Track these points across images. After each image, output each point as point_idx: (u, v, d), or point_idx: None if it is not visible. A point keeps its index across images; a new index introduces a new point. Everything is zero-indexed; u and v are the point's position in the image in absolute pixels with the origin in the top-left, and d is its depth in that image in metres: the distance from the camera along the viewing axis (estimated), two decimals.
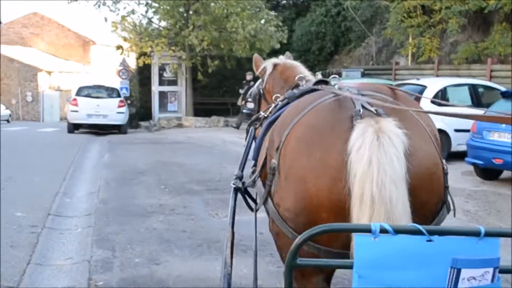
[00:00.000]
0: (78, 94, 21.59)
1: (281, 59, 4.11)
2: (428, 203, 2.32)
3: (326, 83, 3.22)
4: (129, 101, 24.92)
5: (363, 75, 19.87)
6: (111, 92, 22.29)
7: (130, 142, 17.53)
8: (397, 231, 1.66)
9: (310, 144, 2.31)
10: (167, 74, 23.73)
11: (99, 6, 21.10)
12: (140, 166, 11.66)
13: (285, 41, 22.30)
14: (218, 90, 25.04)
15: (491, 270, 1.68)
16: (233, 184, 3.33)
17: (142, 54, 22.77)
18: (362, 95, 2.46)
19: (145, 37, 21.69)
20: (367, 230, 1.66)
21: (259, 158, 3.04)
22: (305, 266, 1.92)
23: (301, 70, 3.86)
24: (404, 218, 2.04)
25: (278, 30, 21.97)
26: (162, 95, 23.69)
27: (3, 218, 6.89)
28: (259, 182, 2.82)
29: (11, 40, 51.56)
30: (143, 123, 24.05)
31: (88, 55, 52.28)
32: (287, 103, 3.16)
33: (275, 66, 4.00)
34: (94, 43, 51.07)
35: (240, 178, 3.37)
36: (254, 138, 3.55)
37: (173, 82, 23.89)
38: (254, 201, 3.32)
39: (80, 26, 51.49)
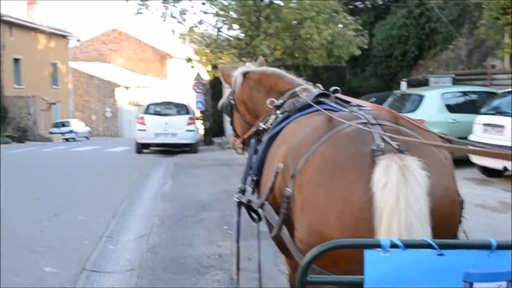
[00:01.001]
0: (146, 111, 20.59)
1: (249, 67, 4.06)
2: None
3: (327, 96, 3.24)
4: (201, 117, 23.84)
5: (454, 81, 17.63)
6: (180, 108, 21.10)
7: (198, 164, 16.01)
8: (408, 245, 1.65)
9: (330, 178, 2.25)
10: None
11: (165, 18, 19.98)
12: (203, 198, 10.15)
13: (365, 47, 20.37)
14: None
15: (504, 284, 1.66)
16: (237, 198, 3.29)
17: (213, 67, 21.59)
18: (380, 124, 2.40)
19: (214, 49, 20.40)
20: (377, 245, 1.65)
21: (263, 178, 3.02)
22: (315, 283, 1.85)
23: (291, 78, 3.81)
24: None
25: (357, 34, 19.98)
26: None
27: (30, 275, 5.73)
28: (268, 207, 2.78)
29: (91, 57, 53.06)
30: (216, 140, 22.83)
31: (165, 69, 52.73)
32: (288, 116, 3.18)
33: (245, 75, 3.94)
34: (171, 57, 51.35)
35: (243, 191, 3.31)
36: (256, 151, 3.40)
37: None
38: (258, 216, 3.29)
39: (157, 40, 52.30)
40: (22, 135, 33.21)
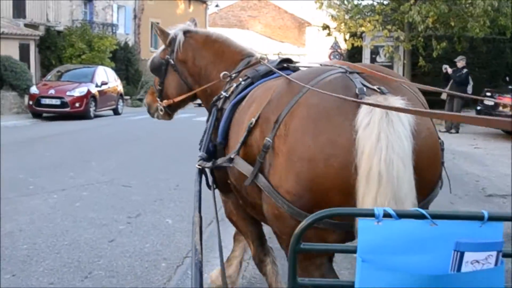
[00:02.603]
0: None
1: (190, 25, 4.00)
2: (430, 182, 2.36)
3: (291, 62, 3.34)
4: None
5: None
6: None
7: None
8: (401, 215, 1.67)
9: (317, 124, 2.26)
10: (381, 59, 19.86)
11: None
12: None
13: None
14: (442, 78, 20.23)
15: (494, 253, 1.70)
16: (199, 165, 3.18)
17: (352, 35, 19.20)
18: (357, 72, 2.45)
19: (354, 15, 17.97)
20: (370, 214, 1.67)
21: (230, 142, 3.00)
22: (309, 250, 1.94)
23: (239, 46, 3.77)
24: (409, 196, 2.07)
25: None
26: None
27: None
28: (239, 159, 2.72)
29: (230, 23, 52.85)
30: None
31: (303, 37, 51.40)
32: (251, 83, 3.16)
33: (185, 33, 3.87)
34: (310, 25, 49.75)
35: (204, 159, 3.19)
36: (217, 119, 3.28)
37: (388, 68, 19.63)
38: (214, 181, 3.32)
39: (296, 7, 51.48)
40: None
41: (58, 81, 21.91)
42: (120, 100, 24.00)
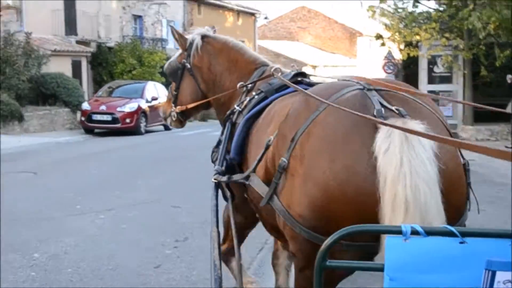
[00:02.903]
0: None
1: (208, 30, 3.91)
2: (456, 205, 2.26)
3: (305, 76, 3.27)
4: None
5: None
6: None
7: None
8: (429, 233, 1.63)
9: (333, 147, 2.21)
10: (439, 69, 18.79)
11: None
12: None
13: None
14: (505, 88, 19.16)
15: None
16: (215, 179, 3.17)
17: (407, 44, 18.50)
18: (376, 90, 2.36)
19: (409, 23, 17.28)
20: (398, 232, 1.63)
21: (248, 160, 2.96)
22: (334, 267, 1.88)
23: (252, 54, 3.76)
24: (438, 221, 1.99)
25: None
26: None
27: None
28: (255, 177, 2.69)
29: (279, 35, 52.88)
30: None
31: (354, 47, 50.83)
32: (265, 97, 3.13)
33: (203, 38, 3.81)
34: (361, 35, 49.12)
35: (221, 173, 3.16)
36: (232, 134, 3.25)
37: (446, 79, 18.79)
38: (231, 194, 3.21)
39: (346, 17, 50.78)
40: (205, 116, 32.52)
41: (109, 97, 22.10)
42: None
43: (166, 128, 22.99)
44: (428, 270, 1.62)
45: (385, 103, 2.24)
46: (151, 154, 14.57)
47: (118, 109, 20.44)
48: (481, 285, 1.61)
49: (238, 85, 3.52)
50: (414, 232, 1.62)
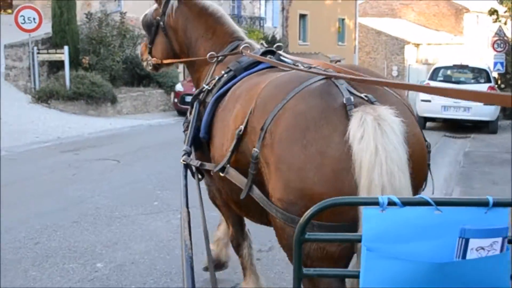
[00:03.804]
0: (432, 77, 16.55)
1: None
2: (418, 185, 2.38)
3: (273, 53, 3.26)
4: (501, 84, 19.02)
5: None
6: (478, 74, 16.53)
7: (499, 159, 11.24)
8: (405, 203, 1.67)
9: (304, 134, 2.24)
10: None
11: None
12: None
13: None
14: None
15: (500, 239, 1.68)
16: (183, 161, 3.23)
17: None
18: (343, 78, 2.43)
19: None
20: (374, 203, 1.67)
21: (215, 140, 3.01)
22: (313, 240, 1.97)
23: (231, 26, 3.75)
24: None
25: None
26: None
27: None
28: (232, 170, 2.70)
29: (381, 12, 51.51)
30: None
31: (460, 24, 48.16)
32: (234, 76, 3.16)
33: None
34: (468, 11, 46.49)
35: (189, 153, 3.25)
36: (199, 112, 3.32)
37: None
38: (201, 174, 3.41)
39: None
40: None
41: None
42: None
43: None
44: (404, 240, 1.64)
45: (353, 91, 2.30)
46: None
47: None
48: (455, 253, 1.65)
49: (208, 55, 3.57)
50: (391, 203, 1.63)
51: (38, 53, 17.07)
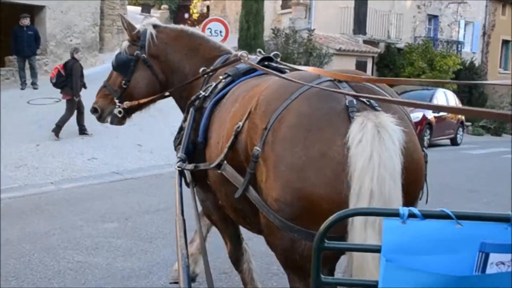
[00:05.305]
0: None
1: (155, 21, 3.98)
2: (413, 196, 2.36)
3: (271, 60, 3.32)
4: None
5: None
6: None
7: None
8: (426, 216, 1.64)
9: (306, 135, 2.23)
10: None
11: None
12: None
13: None
14: None
15: None
16: (178, 167, 3.17)
17: None
18: (346, 82, 2.41)
19: None
20: (395, 214, 1.64)
21: (211, 141, 3.00)
22: (332, 249, 1.89)
23: (216, 43, 3.86)
24: None
25: None
26: None
27: None
28: (228, 167, 2.67)
29: None
30: None
31: None
32: (232, 81, 3.17)
33: (155, 27, 3.85)
34: None
35: (184, 160, 3.22)
36: (195, 119, 3.32)
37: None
38: (194, 180, 3.32)
39: None
40: (499, 127, 27.43)
41: None
42: (460, 129, 20.53)
43: (453, 142, 19.88)
44: (424, 252, 1.63)
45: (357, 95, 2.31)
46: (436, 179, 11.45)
47: None
48: (474, 267, 1.62)
49: (201, 70, 3.57)
50: (412, 215, 1.63)
51: None
